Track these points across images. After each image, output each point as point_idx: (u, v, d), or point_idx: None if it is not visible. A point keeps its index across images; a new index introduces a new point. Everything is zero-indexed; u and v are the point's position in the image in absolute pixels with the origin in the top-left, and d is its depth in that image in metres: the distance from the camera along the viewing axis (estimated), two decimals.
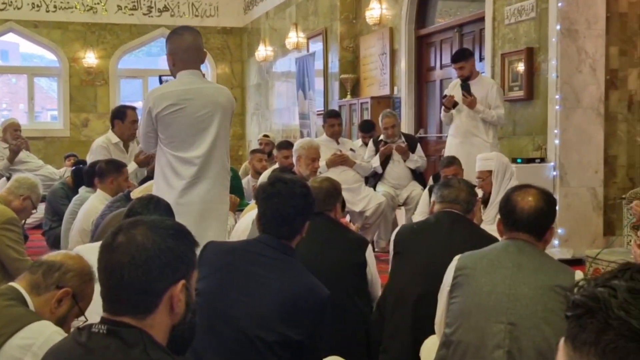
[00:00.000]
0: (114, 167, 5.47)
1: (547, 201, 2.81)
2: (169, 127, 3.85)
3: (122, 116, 6.37)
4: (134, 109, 6.57)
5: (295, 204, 2.78)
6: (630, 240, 4.77)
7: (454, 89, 6.69)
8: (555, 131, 6.64)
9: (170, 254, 1.68)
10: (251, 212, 4.25)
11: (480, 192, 5.11)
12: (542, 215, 2.77)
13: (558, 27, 6.59)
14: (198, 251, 1.80)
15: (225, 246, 2.96)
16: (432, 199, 3.79)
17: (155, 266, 1.66)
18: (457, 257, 2.83)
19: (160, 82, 4.65)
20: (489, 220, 5.05)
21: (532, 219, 2.75)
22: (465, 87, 6.44)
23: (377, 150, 7.49)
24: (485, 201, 5.32)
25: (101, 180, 5.43)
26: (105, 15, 14.66)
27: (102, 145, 6.31)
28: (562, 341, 0.95)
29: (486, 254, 2.79)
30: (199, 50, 3.98)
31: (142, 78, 15.75)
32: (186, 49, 3.91)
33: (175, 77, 3.96)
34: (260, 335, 2.55)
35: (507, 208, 2.80)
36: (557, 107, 6.62)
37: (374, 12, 9.64)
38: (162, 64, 16.50)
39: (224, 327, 2.60)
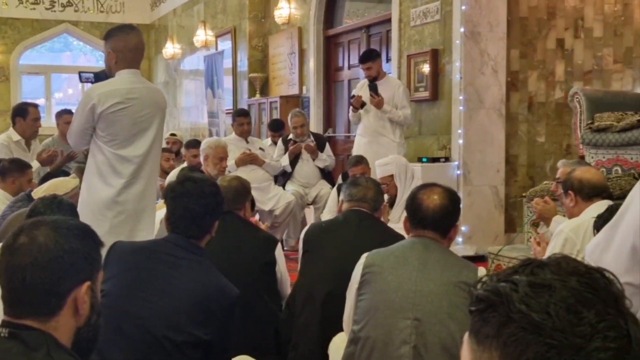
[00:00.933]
0: (17, 167, 5.29)
1: (452, 199, 2.87)
2: (112, 125, 3.82)
3: (24, 113, 6.23)
4: (36, 106, 6.43)
5: (204, 202, 2.76)
6: (530, 237, 4.92)
7: (361, 89, 6.75)
8: (459, 131, 6.80)
9: (74, 254, 1.65)
10: (159, 212, 4.18)
11: (386, 197, 5.18)
12: (447, 213, 2.83)
13: (462, 29, 6.75)
14: (104, 251, 1.77)
15: (133, 246, 2.92)
16: (341, 197, 3.82)
17: (59, 267, 1.63)
18: (364, 255, 2.86)
19: (80, 78, 4.55)
20: (395, 220, 5.12)
21: (437, 217, 2.80)
22: (373, 88, 6.51)
23: (286, 149, 7.49)
24: (392, 203, 5.39)
25: (2, 179, 5.24)
26: (5, 9, 14.15)
27: (2, 143, 6.16)
28: (466, 335, 0.96)
29: (393, 251, 2.83)
30: (142, 51, 4.02)
31: (45, 74, 15.28)
32: (132, 49, 3.90)
33: (112, 74, 3.92)
34: (168, 336, 2.52)
35: (413, 206, 2.85)
36: (460, 107, 6.78)
37: (282, 12, 9.64)
38: (66, 60, 16.10)
39: (131, 327, 2.56)
